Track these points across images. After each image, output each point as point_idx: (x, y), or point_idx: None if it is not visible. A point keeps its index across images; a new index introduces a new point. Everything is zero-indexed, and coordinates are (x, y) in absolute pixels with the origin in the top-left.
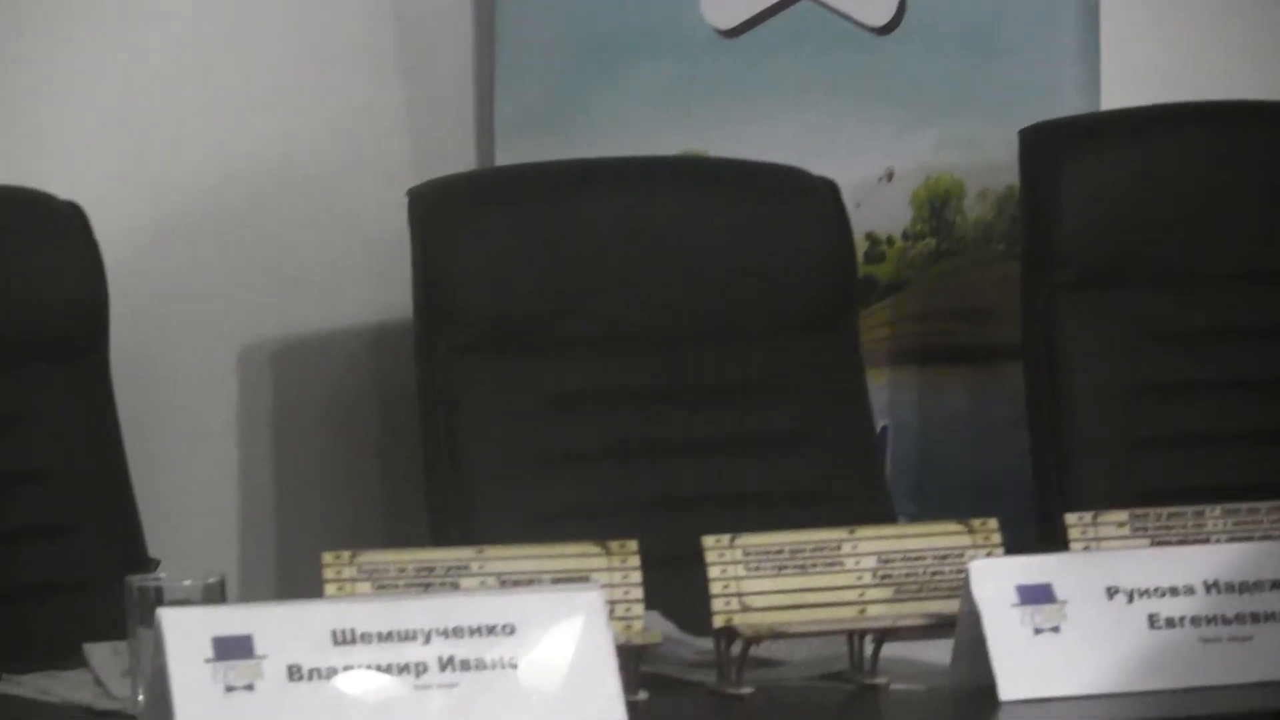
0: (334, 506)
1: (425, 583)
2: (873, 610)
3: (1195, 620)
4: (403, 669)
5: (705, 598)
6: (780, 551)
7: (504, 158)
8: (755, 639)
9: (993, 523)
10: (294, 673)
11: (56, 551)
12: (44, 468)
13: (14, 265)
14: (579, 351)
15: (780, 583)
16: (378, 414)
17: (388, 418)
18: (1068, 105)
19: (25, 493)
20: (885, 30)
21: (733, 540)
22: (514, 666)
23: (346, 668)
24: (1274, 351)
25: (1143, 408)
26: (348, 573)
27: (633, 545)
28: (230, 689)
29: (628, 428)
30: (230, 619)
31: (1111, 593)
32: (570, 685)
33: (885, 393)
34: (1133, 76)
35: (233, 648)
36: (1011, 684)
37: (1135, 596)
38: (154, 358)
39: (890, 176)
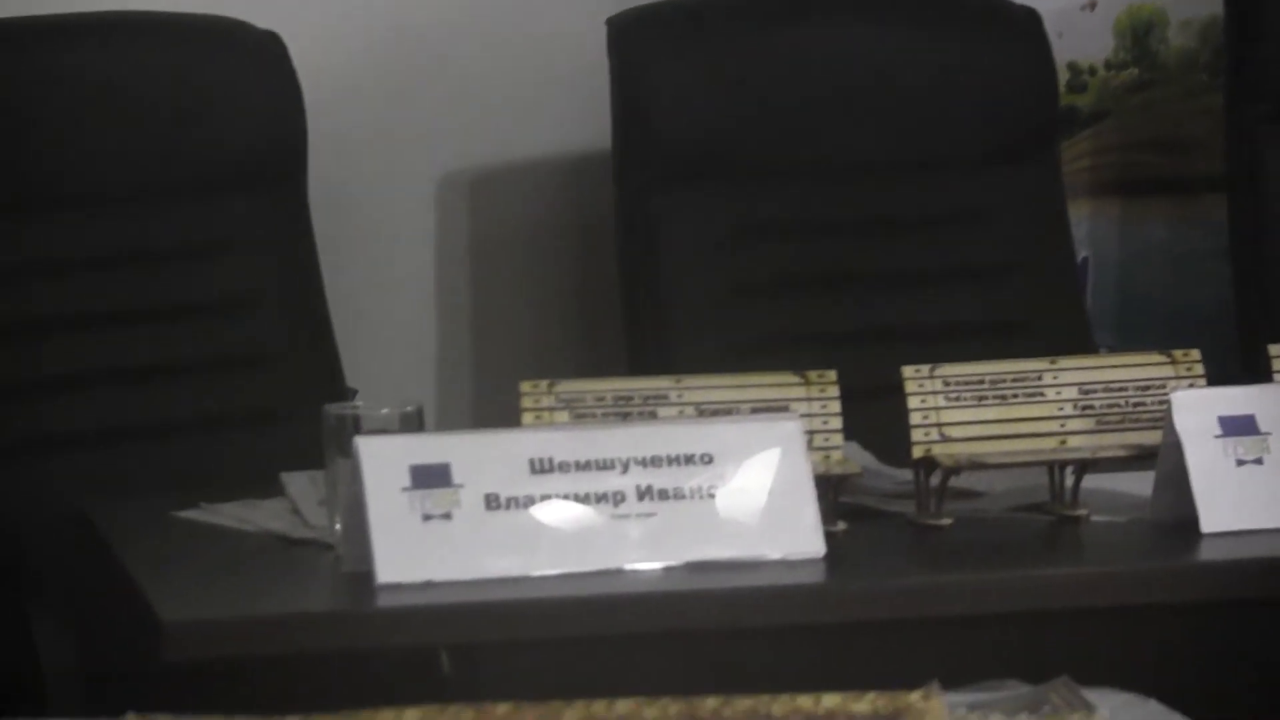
0: (531, 335)
1: (623, 412)
2: (1073, 441)
3: None
4: (600, 498)
5: (904, 428)
6: (981, 382)
7: None
8: (955, 470)
9: (1195, 354)
10: (491, 501)
11: (255, 380)
12: (243, 297)
13: (213, 94)
14: (779, 182)
15: (980, 413)
16: (576, 244)
17: (586, 247)
18: None
19: (224, 321)
20: None
21: (933, 370)
22: (711, 496)
23: (544, 497)
24: None
25: None
26: (546, 401)
27: (831, 375)
28: (427, 517)
29: (827, 258)
30: (428, 447)
31: None
32: (768, 515)
33: (1086, 224)
34: None
35: (430, 476)
36: (1213, 516)
37: None
38: (352, 188)
39: (1093, 5)
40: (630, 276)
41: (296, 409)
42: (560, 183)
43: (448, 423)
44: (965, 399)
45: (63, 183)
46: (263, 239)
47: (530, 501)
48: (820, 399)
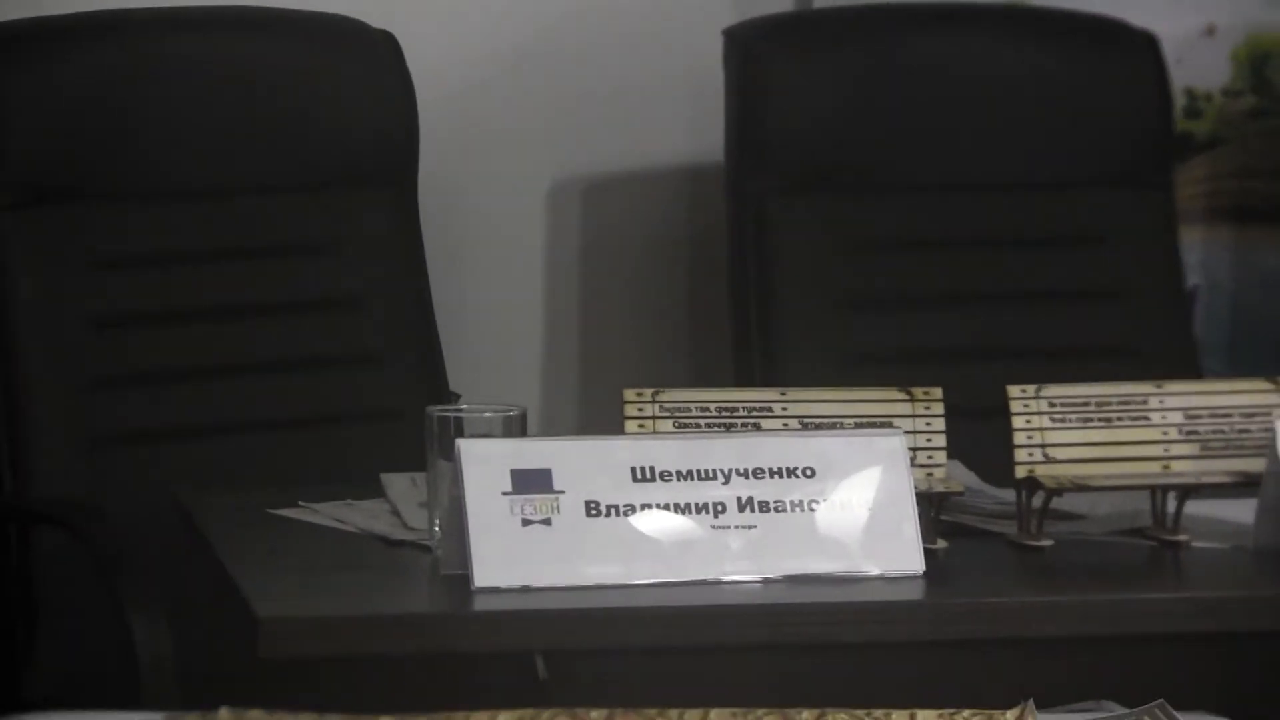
0: (637, 344)
1: (727, 423)
2: (1177, 466)
3: None
4: (701, 508)
5: (1008, 448)
6: (1086, 403)
7: None
8: (1057, 491)
9: None
10: (592, 508)
11: (358, 380)
12: (349, 295)
13: (327, 92)
14: (891, 196)
15: (1085, 435)
16: (686, 253)
17: (695, 258)
18: None
19: (329, 319)
20: None
21: (1038, 391)
22: (813, 510)
23: (645, 505)
24: None
25: None
26: (649, 410)
27: (937, 392)
28: (527, 522)
29: (938, 274)
30: (530, 452)
31: None
32: (869, 531)
33: (1198, 251)
34: None
35: (531, 481)
36: None
37: None
38: (462, 191)
39: (1211, 32)
40: (739, 287)
41: (399, 410)
42: (672, 192)
43: (551, 428)
44: (1070, 420)
45: (174, 175)
46: (371, 239)
47: (631, 510)
48: (925, 416)
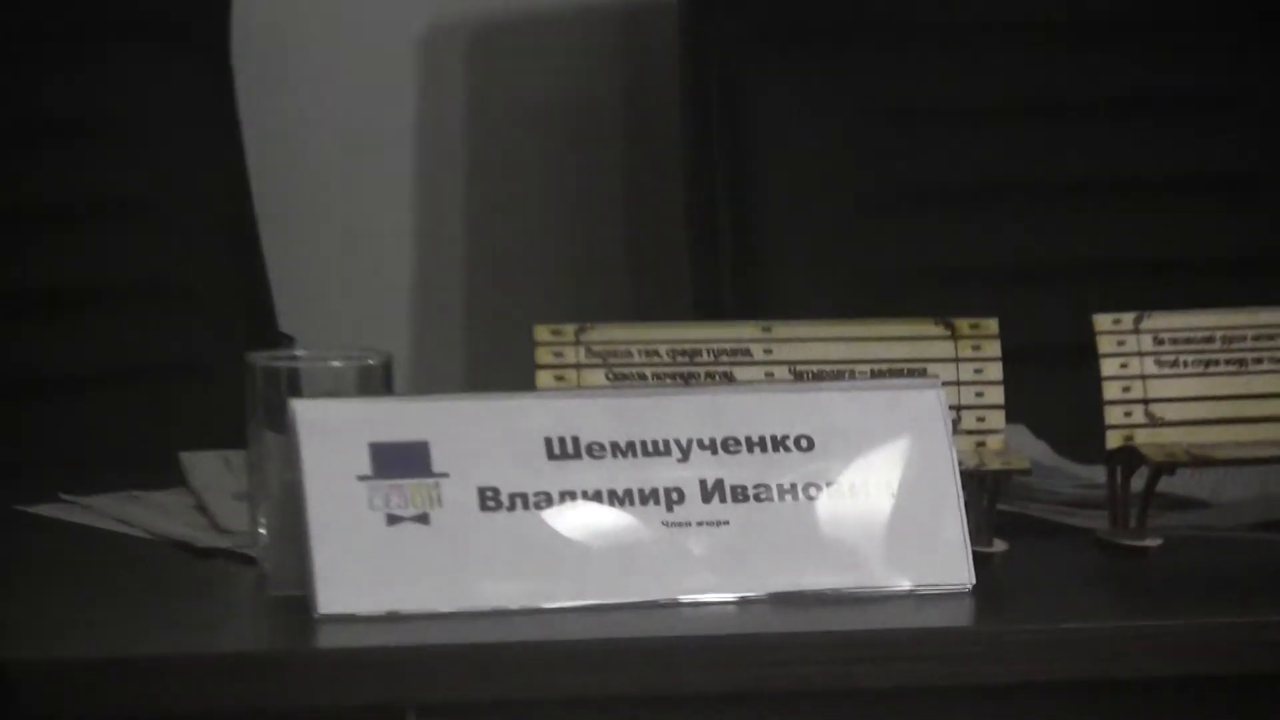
0: (551, 260)
1: (685, 373)
2: None
3: None
4: (649, 497)
5: (1093, 406)
6: (1208, 339)
7: None
8: (1167, 467)
9: None
10: (488, 499)
11: (147, 318)
12: (137, 198)
13: None
14: (914, 46)
15: (1205, 386)
16: (621, 130)
17: (635, 135)
18: None
19: (109, 230)
20: None
21: (1138, 321)
22: (812, 498)
23: (566, 494)
24: None
25: None
26: (571, 356)
27: (991, 325)
28: (394, 519)
29: (985, 158)
30: (397, 418)
31: None
32: (893, 528)
33: None
34: None
35: (400, 460)
36: None
37: None
38: (295, 49)
39: None
40: (700, 178)
41: (206, 361)
42: (599, 40)
43: (428, 383)
44: (1184, 365)
45: None
46: (167, 116)
47: (545, 500)
48: (973, 359)
